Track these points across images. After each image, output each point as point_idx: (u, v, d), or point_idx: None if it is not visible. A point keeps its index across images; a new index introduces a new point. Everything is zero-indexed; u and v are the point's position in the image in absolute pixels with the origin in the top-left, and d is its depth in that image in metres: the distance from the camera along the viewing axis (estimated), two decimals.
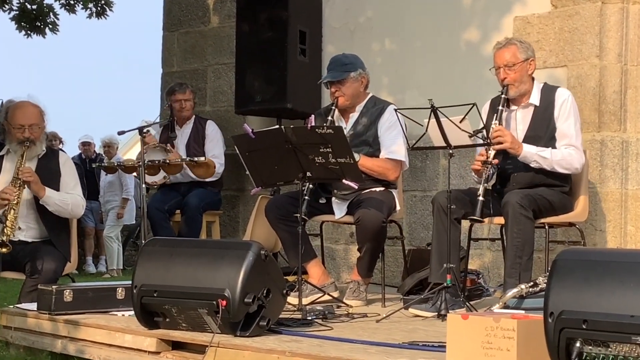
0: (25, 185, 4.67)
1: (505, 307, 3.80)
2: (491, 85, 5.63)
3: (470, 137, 4.38)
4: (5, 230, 4.52)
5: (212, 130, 6.76)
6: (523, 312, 3.31)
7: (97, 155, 11.15)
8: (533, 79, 4.74)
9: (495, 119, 4.58)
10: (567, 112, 4.64)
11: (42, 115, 4.88)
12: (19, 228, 4.68)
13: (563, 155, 4.59)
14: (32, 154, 4.81)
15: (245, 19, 6.85)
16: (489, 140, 4.47)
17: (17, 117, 4.78)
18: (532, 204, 4.46)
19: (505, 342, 2.92)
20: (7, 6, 8.19)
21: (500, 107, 4.59)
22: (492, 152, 4.50)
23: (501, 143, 4.51)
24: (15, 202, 4.59)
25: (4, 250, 4.48)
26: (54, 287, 4.26)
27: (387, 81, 6.60)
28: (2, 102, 4.97)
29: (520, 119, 4.74)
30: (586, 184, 4.91)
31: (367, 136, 5.12)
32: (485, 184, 4.45)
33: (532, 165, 4.59)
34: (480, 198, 4.40)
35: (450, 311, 4.15)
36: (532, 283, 3.85)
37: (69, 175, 4.93)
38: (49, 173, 4.81)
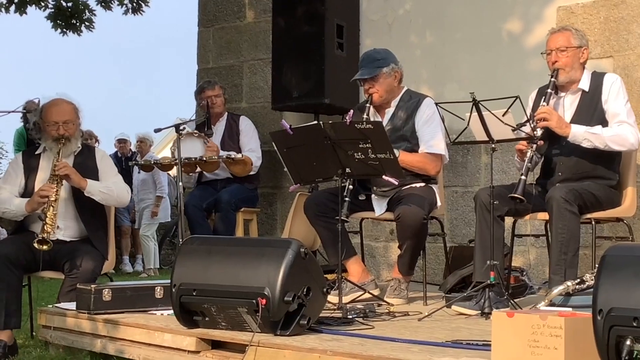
0: (64, 180, 4.66)
1: (551, 304, 3.75)
2: (534, 77, 5.53)
3: (513, 130, 4.31)
4: (45, 228, 4.51)
5: (246, 125, 6.71)
6: (570, 309, 3.23)
7: (132, 153, 11.17)
8: (584, 68, 4.66)
9: (544, 101, 4.52)
10: (615, 92, 4.54)
11: (76, 112, 4.86)
12: (58, 227, 4.66)
13: (616, 132, 4.47)
14: (67, 151, 4.79)
15: (282, 14, 6.80)
16: (535, 120, 4.41)
17: (51, 114, 4.78)
18: (578, 198, 4.36)
19: (553, 340, 2.85)
20: (42, 4, 8.25)
21: (548, 90, 4.53)
22: (538, 132, 4.42)
23: (547, 121, 4.43)
24: (53, 198, 4.57)
25: (44, 247, 4.46)
26: (92, 286, 4.26)
27: (426, 75, 6.52)
28: (39, 101, 4.97)
29: (569, 105, 4.66)
30: (634, 177, 4.79)
31: (404, 131, 5.05)
32: (529, 164, 4.38)
33: (583, 144, 4.47)
34: (523, 177, 4.33)
35: (494, 309, 4.07)
36: (578, 280, 3.81)
37: (107, 170, 4.92)
38: (86, 169, 4.80)
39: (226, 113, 6.77)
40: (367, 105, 5.03)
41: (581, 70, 4.64)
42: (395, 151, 4.77)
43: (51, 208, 4.55)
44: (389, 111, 5.14)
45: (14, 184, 4.81)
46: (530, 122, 4.40)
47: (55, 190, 4.58)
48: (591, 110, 4.56)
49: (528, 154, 4.40)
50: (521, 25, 6.16)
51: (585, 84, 4.62)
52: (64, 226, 4.74)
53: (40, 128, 4.85)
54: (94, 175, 4.82)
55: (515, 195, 4.31)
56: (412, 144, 5.04)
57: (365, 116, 4.94)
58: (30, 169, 4.83)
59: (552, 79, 4.56)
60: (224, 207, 6.32)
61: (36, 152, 4.92)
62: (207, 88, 6.66)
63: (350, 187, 4.67)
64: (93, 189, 4.72)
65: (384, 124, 5.05)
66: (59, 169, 4.63)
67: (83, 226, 4.77)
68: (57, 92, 4.92)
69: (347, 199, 4.59)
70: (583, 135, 4.45)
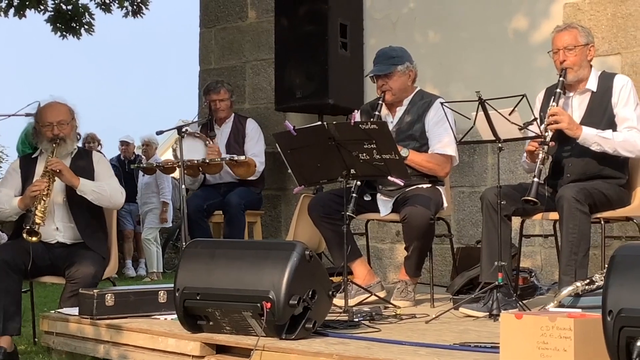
0: (57, 178, 4.63)
1: (561, 305, 3.71)
2: (541, 75, 5.49)
3: (520, 129, 4.26)
4: (34, 219, 4.48)
5: (252, 129, 6.63)
6: (579, 310, 3.21)
7: (136, 156, 11.15)
8: (591, 66, 4.61)
9: (553, 101, 4.47)
10: (626, 97, 4.49)
11: (71, 113, 4.87)
12: (57, 229, 4.66)
13: (625, 137, 4.43)
14: (62, 152, 4.79)
15: (284, 13, 6.77)
16: (546, 122, 4.36)
17: (45, 115, 4.81)
18: (588, 198, 4.31)
19: (562, 342, 2.84)
20: (42, 7, 8.23)
21: (558, 90, 4.48)
22: (549, 134, 4.37)
23: (558, 123, 4.37)
24: (45, 193, 4.55)
25: (33, 239, 4.44)
26: (95, 291, 4.23)
27: (431, 74, 6.46)
28: (40, 104, 4.95)
29: (577, 106, 4.61)
30: None
31: (413, 130, 5.02)
32: (541, 166, 4.33)
33: (592, 148, 4.42)
34: (536, 179, 4.28)
35: (502, 311, 4.02)
36: (588, 280, 3.79)
37: (103, 172, 4.90)
38: (81, 170, 4.78)
39: (233, 114, 6.69)
40: (380, 102, 5.02)
41: (588, 69, 4.59)
42: (405, 150, 4.79)
43: (42, 201, 4.54)
44: (400, 110, 5.11)
45: (11, 188, 4.80)
46: (539, 122, 4.34)
47: (47, 184, 4.57)
48: (601, 112, 4.51)
49: (540, 156, 4.34)
50: (527, 22, 6.12)
51: (593, 84, 4.56)
52: (62, 227, 4.72)
53: (37, 131, 4.87)
54: (89, 177, 4.80)
55: (529, 198, 4.26)
56: (420, 143, 5.01)
57: (376, 113, 4.93)
58: (27, 173, 4.82)
59: (561, 79, 4.50)
60: (234, 210, 6.25)
61: (33, 156, 4.92)
62: (212, 91, 6.56)
63: (359, 183, 4.65)
64: (85, 188, 4.69)
65: (395, 122, 5.06)
66: (51, 164, 4.62)
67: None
68: (50, 95, 4.95)
69: (354, 194, 4.54)
70: (593, 138, 4.40)
